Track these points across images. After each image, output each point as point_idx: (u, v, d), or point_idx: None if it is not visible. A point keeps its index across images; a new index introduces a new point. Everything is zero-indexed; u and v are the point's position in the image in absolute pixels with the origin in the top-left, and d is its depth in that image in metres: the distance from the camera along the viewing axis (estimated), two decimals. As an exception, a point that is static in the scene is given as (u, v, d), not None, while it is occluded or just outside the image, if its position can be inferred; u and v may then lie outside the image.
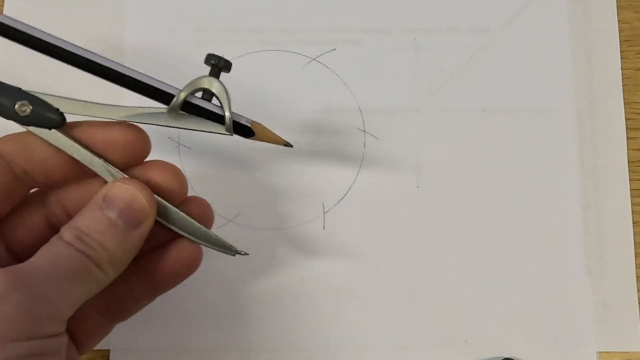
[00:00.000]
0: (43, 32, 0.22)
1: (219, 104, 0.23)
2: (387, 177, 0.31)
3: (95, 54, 0.22)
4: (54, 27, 0.33)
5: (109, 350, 0.29)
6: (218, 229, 0.31)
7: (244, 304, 0.30)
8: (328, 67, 0.32)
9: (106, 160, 0.23)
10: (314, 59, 0.32)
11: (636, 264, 0.30)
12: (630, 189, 0.31)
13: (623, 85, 0.32)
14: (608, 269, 0.30)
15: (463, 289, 0.30)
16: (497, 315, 0.30)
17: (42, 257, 0.21)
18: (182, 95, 0.23)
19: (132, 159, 0.24)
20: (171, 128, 0.24)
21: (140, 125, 0.24)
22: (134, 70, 0.23)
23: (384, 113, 0.32)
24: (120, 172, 0.23)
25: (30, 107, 0.22)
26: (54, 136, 0.22)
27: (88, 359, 0.30)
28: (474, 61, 0.32)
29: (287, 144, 0.26)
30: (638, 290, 0.30)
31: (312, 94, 0.32)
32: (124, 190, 0.22)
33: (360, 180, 0.31)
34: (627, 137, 0.31)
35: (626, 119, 0.32)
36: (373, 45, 0.33)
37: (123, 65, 0.23)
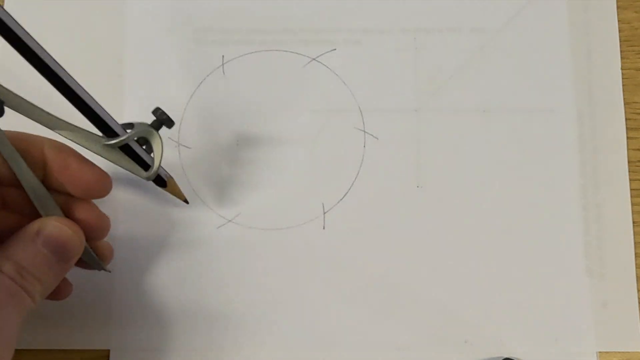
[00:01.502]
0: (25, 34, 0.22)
1: (148, 152, 0.26)
2: (387, 177, 0.31)
3: (66, 73, 0.22)
4: (54, 27, 0.33)
5: (108, 350, 0.30)
6: (218, 229, 0.31)
7: (244, 304, 0.30)
8: (328, 67, 0.32)
9: (50, 185, 0.24)
10: (314, 59, 0.32)
11: (636, 264, 0.30)
12: (630, 189, 0.31)
13: (623, 85, 0.32)
14: (608, 269, 0.30)
15: (463, 289, 0.30)
16: (497, 315, 0.30)
17: None
18: (125, 139, 0.24)
19: (88, 196, 0.25)
20: (101, 155, 0.25)
21: (72, 145, 0.24)
22: (91, 97, 0.23)
23: (384, 113, 0.32)
24: (46, 193, 0.24)
25: None
26: None
27: (88, 359, 0.30)
28: (474, 61, 0.32)
29: (186, 201, 0.30)
30: (638, 290, 0.30)
31: (312, 94, 0.32)
32: (59, 230, 0.23)
33: (360, 180, 0.31)
34: (627, 137, 0.31)
35: (626, 119, 0.32)
36: (373, 45, 0.33)
37: (82, 89, 0.23)
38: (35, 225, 0.23)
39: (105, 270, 0.28)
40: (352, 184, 0.31)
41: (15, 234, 0.23)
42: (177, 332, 0.30)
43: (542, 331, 0.29)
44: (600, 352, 0.29)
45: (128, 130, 0.25)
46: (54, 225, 0.23)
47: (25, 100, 0.23)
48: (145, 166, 0.26)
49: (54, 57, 0.21)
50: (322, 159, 0.31)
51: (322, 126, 0.32)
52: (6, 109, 0.22)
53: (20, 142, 0.23)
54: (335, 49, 0.32)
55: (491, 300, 0.30)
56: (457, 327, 0.30)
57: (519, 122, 0.32)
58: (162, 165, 0.26)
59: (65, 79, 0.22)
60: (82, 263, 0.26)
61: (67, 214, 0.25)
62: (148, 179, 0.26)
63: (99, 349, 0.30)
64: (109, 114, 0.24)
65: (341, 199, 0.31)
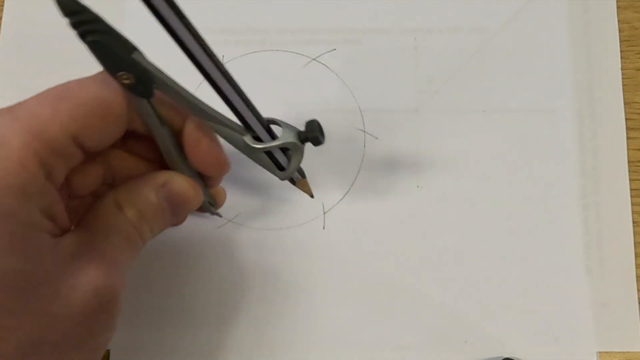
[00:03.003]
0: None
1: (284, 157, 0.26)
2: (387, 177, 0.31)
3: (226, 70, 0.22)
4: (54, 27, 0.33)
5: (109, 350, 0.30)
6: (218, 229, 0.31)
7: (244, 304, 0.30)
8: (328, 67, 0.32)
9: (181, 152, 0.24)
10: (314, 59, 0.32)
11: (636, 264, 0.30)
12: (630, 189, 0.31)
13: (623, 85, 0.32)
14: (608, 269, 0.30)
15: (463, 289, 0.30)
16: (497, 315, 0.30)
17: (101, 223, 0.22)
18: (270, 147, 0.25)
19: (210, 174, 0.26)
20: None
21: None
22: (246, 101, 0.23)
23: (384, 113, 0.32)
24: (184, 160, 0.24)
25: (133, 80, 0.21)
26: (142, 103, 0.22)
27: (88, 359, 0.30)
28: (474, 61, 0.32)
29: (312, 196, 0.30)
30: (638, 290, 0.30)
31: (312, 94, 0.32)
32: (183, 188, 0.24)
33: (360, 180, 0.31)
34: (627, 137, 0.31)
35: (626, 119, 0.32)
36: (373, 45, 0.33)
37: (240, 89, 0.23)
38: (162, 177, 0.24)
39: (217, 215, 0.29)
40: (352, 184, 0.31)
41: (139, 180, 0.24)
42: (177, 332, 0.30)
43: (542, 331, 0.29)
44: (600, 352, 0.29)
45: (276, 139, 0.25)
46: (179, 183, 0.24)
47: (178, 84, 0.23)
48: (281, 168, 0.26)
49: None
50: (322, 159, 0.31)
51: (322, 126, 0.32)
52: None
53: (167, 108, 0.24)
54: (335, 49, 0.32)
55: (491, 300, 0.30)
56: (457, 327, 0.30)
57: (519, 122, 0.32)
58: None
59: (224, 76, 0.22)
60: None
61: (192, 155, 0.25)
62: (282, 179, 0.27)
63: (99, 349, 0.30)
64: (261, 121, 0.24)
65: (341, 199, 0.31)
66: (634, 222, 0.30)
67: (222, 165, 0.25)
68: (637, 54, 0.32)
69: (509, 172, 0.31)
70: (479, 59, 0.32)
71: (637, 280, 0.30)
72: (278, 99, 0.32)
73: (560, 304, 0.30)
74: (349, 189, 0.31)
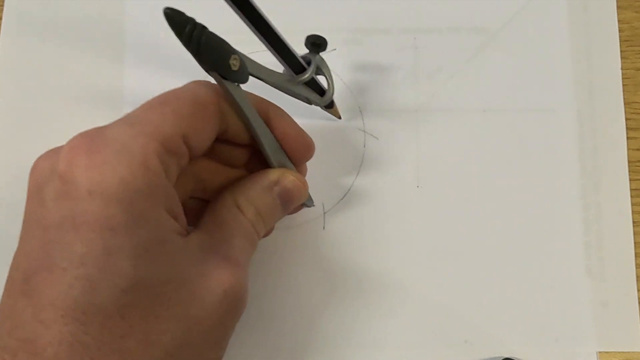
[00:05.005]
0: None
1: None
2: (387, 177, 0.31)
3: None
4: (54, 27, 0.33)
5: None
6: (218, 229, 0.31)
7: (244, 304, 0.30)
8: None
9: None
10: (314, 59, 0.32)
11: (636, 264, 0.30)
12: (630, 189, 0.31)
13: (623, 85, 0.32)
14: (608, 269, 0.30)
15: (463, 289, 0.30)
16: (497, 315, 0.30)
17: (223, 224, 0.24)
18: (311, 73, 0.27)
19: (300, 157, 0.27)
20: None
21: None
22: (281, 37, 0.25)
23: (384, 113, 0.32)
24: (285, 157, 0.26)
25: (239, 62, 0.23)
26: (238, 91, 0.24)
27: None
28: (474, 61, 0.32)
29: (339, 117, 0.31)
30: (638, 290, 0.30)
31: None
32: (295, 185, 0.26)
33: (360, 180, 0.31)
34: (627, 137, 0.31)
35: (626, 119, 0.32)
36: (373, 45, 0.33)
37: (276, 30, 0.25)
38: (274, 174, 0.25)
39: (312, 205, 0.29)
40: (352, 184, 0.31)
41: (254, 180, 0.25)
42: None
43: (542, 331, 0.29)
44: (600, 352, 0.29)
45: (309, 66, 0.27)
46: (291, 180, 0.26)
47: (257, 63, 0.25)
48: (321, 93, 0.28)
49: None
50: (322, 159, 0.31)
51: (322, 126, 0.32)
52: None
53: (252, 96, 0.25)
54: (335, 49, 0.32)
55: (491, 300, 0.30)
56: (457, 327, 0.30)
57: (519, 122, 0.32)
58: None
59: (265, 19, 0.25)
60: None
61: (284, 140, 0.26)
62: (325, 103, 0.29)
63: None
64: (295, 52, 0.26)
65: (341, 199, 0.31)
66: (634, 222, 0.30)
67: (310, 147, 0.27)
68: (637, 54, 0.32)
69: (509, 172, 0.31)
70: (479, 59, 0.32)
71: (637, 280, 0.30)
72: (278, 99, 0.32)
73: (560, 304, 0.30)
74: (349, 189, 0.31)
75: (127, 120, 0.21)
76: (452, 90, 0.32)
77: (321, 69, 0.28)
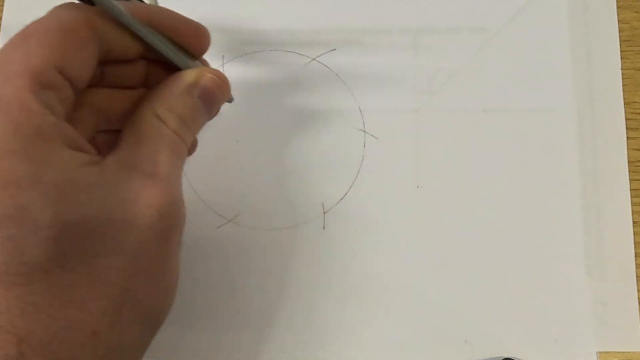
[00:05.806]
0: None
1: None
2: (387, 177, 0.31)
3: None
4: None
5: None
6: (218, 229, 0.31)
7: (244, 304, 0.30)
8: (328, 67, 0.32)
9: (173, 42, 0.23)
10: (314, 59, 0.32)
11: (636, 264, 0.30)
12: (630, 189, 0.31)
13: (623, 85, 0.32)
14: (608, 269, 0.30)
15: (463, 289, 0.30)
16: (497, 315, 0.30)
17: (145, 139, 0.22)
18: None
19: (197, 45, 0.24)
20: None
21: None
22: None
23: (384, 113, 0.32)
24: (188, 56, 0.24)
25: None
26: (111, 4, 0.21)
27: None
28: (474, 61, 0.32)
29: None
30: (638, 290, 0.30)
31: (312, 94, 0.32)
32: (214, 82, 0.24)
33: (360, 180, 0.31)
34: (627, 137, 0.31)
35: (626, 119, 0.32)
36: (373, 45, 0.33)
37: None
38: (190, 76, 0.23)
39: (232, 100, 0.27)
40: (352, 184, 0.31)
41: (170, 85, 0.23)
42: (176, 331, 0.30)
43: (542, 331, 0.29)
44: (600, 352, 0.29)
45: None
46: (210, 78, 0.24)
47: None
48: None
49: None
50: (322, 159, 0.31)
51: (322, 126, 0.32)
52: None
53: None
54: (335, 49, 0.32)
55: (491, 300, 0.30)
56: (457, 327, 0.30)
57: (519, 122, 0.32)
58: None
59: None
60: None
61: (176, 34, 0.24)
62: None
63: (99, 349, 0.30)
64: None
65: (341, 199, 0.31)
66: (634, 222, 0.30)
67: (204, 31, 0.24)
68: (637, 54, 0.32)
69: (508, 172, 0.31)
70: (479, 59, 0.32)
71: (637, 280, 0.30)
72: (278, 99, 0.32)
73: (560, 304, 0.30)
74: (349, 189, 0.31)
75: None
76: (452, 90, 0.32)
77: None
